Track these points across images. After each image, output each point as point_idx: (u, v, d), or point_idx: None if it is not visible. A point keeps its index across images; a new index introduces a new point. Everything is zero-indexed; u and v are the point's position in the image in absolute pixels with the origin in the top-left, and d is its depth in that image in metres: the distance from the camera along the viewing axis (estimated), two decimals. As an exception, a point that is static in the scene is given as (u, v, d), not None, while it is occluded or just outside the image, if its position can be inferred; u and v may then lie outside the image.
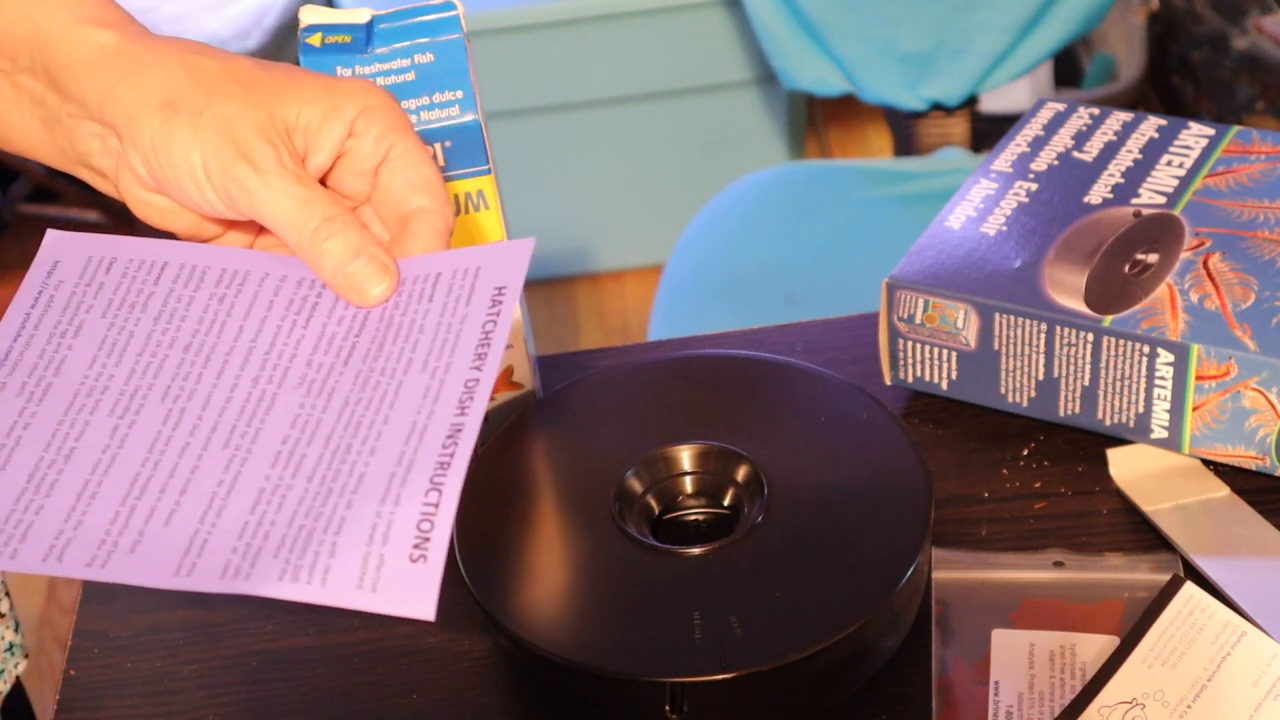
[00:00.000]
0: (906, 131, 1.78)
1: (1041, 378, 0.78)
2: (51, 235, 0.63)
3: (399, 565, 0.50)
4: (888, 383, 0.83)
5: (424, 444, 0.54)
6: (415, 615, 0.49)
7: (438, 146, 0.72)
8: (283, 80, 0.59)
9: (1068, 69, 2.32)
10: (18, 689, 0.86)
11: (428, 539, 0.50)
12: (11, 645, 0.83)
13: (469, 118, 0.71)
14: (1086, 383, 0.77)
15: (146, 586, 0.52)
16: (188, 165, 0.58)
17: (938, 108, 1.72)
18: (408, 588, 0.50)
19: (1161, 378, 0.75)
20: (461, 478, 0.52)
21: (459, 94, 0.71)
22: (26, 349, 0.60)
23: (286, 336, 0.59)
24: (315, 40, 0.72)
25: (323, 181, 0.61)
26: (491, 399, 0.79)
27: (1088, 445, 0.80)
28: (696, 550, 0.69)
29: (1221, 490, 0.76)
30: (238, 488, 0.54)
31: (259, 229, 0.63)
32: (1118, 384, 0.76)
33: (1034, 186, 0.85)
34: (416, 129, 0.70)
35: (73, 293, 0.61)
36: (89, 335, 0.60)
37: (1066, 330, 0.76)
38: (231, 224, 0.63)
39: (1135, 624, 0.67)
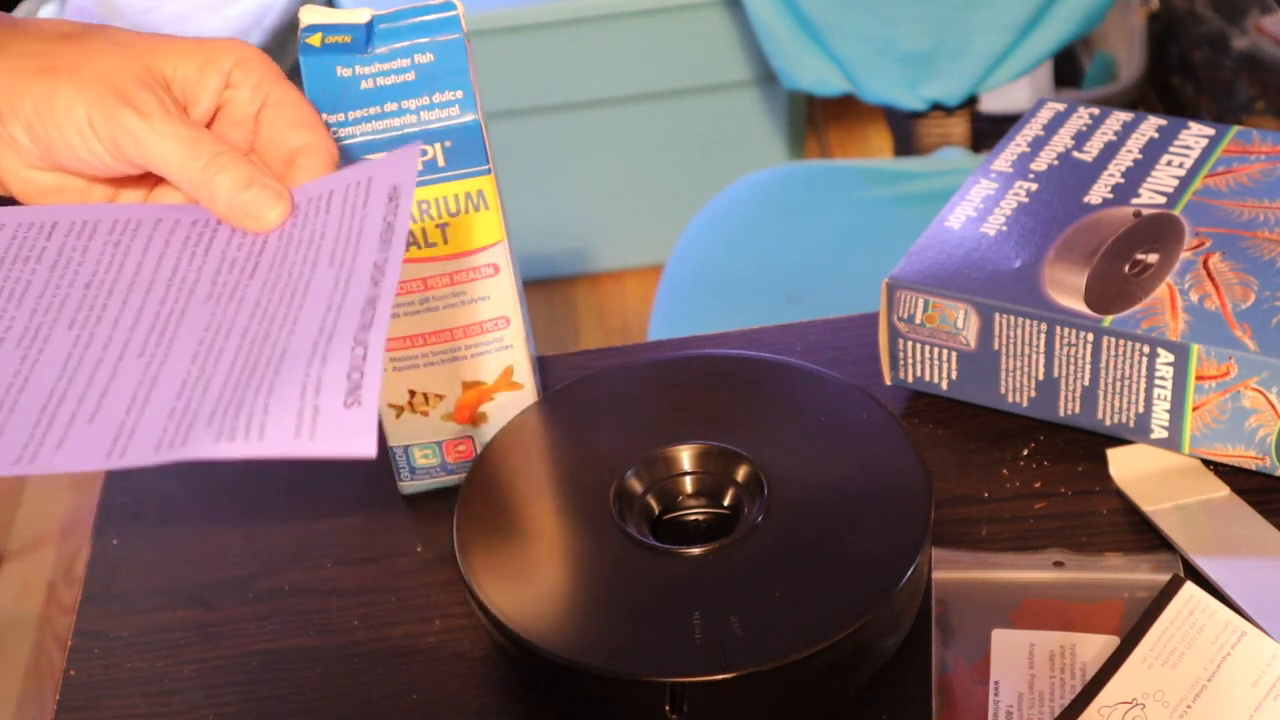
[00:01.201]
0: (906, 131, 1.78)
1: (1041, 378, 0.78)
2: None
3: (334, 412, 0.50)
4: (888, 383, 0.83)
5: (342, 315, 0.54)
6: (355, 454, 0.49)
7: (438, 146, 0.72)
8: (154, 41, 0.61)
9: (1068, 69, 2.32)
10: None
11: (359, 387, 0.51)
12: None
13: (469, 118, 0.71)
14: (1086, 383, 0.77)
15: (78, 470, 0.52)
16: (73, 120, 0.58)
17: (938, 108, 1.72)
18: (344, 430, 0.50)
19: (1161, 378, 0.75)
20: (384, 334, 0.52)
21: (459, 94, 0.71)
22: None
23: (188, 265, 0.59)
24: (315, 40, 0.72)
25: None
26: (491, 399, 0.80)
27: (1088, 445, 0.80)
28: (696, 550, 0.69)
29: (1221, 490, 0.76)
30: (159, 384, 0.54)
31: (149, 189, 0.64)
32: (1118, 384, 0.76)
33: (1034, 186, 0.85)
34: (416, 129, 0.71)
35: None
36: None
37: (1066, 330, 0.76)
38: (120, 185, 0.63)
39: (1135, 624, 0.67)
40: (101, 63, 0.59)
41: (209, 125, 0.62)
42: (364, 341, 0.52)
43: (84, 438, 0.53)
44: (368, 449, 0.49)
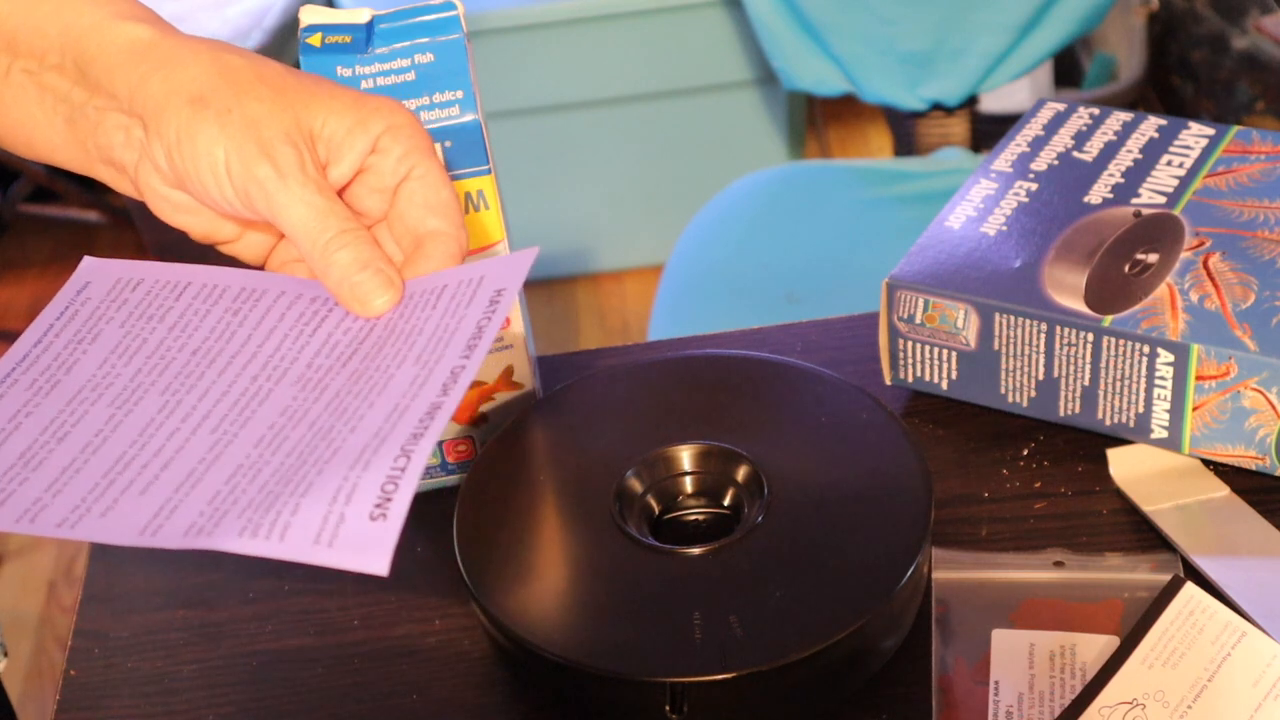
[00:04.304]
0: (906, 131, 1.78)
1: (1041, 378, 0.78)
2: (87, 261, 0.65)
3: (358, 523, 0.50)
4: (888, 383, 0.83)
5: (403, 421, 0.54)
6: (368, 570, 0.49)
7: (438, 146, 0.72)
8: (312, 89, 0.60)
9: (1068, 69, 2.32)
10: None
11: (390, 499, 0.51)
12: None
13: (469, 118, 0.71)
14: (1086, 383, 0.77)
15: (110, 544, 0.53)
16: (210, 160, 0.58)
17: (938, 108, 1.72)
18: (363, 543, 0.50)
19: (1161, 378, 0.75)
20: (431, 445, 0.52)
21: (459, 94, 0.71)
22: (44, 353, 0.61)
23: (291, 343, 0.60)
24: (315, 40, 0.72)
25: (340, 195, 0.61)
26: (491, 399, 0.80)
27: (1088, 445, 0.80)
28: (696, 550, 0.69)
29: (1221, 490, 0.76)
30: (218, 465, 0.55)
31: (278, 234, 0.63)
32: (1118, 384, 0.76)
33: (1034, 186, 0.85)
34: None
35: (96, 308, 0.63)
36: (104, 342, 0.62)
37: (1066, 330, 0.76)
38: (248, 225, 0.63)
39: (1136, 624, 0.67)
40: (253, 108, 0.58)
41: (348, 186, 0.61)
42: (409, 452, 0.52)
43: (127, 510, 0.54)
44: (381, 566, 0.49)
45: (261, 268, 0.64)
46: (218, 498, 0.54)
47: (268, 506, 0.52)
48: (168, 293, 0.63)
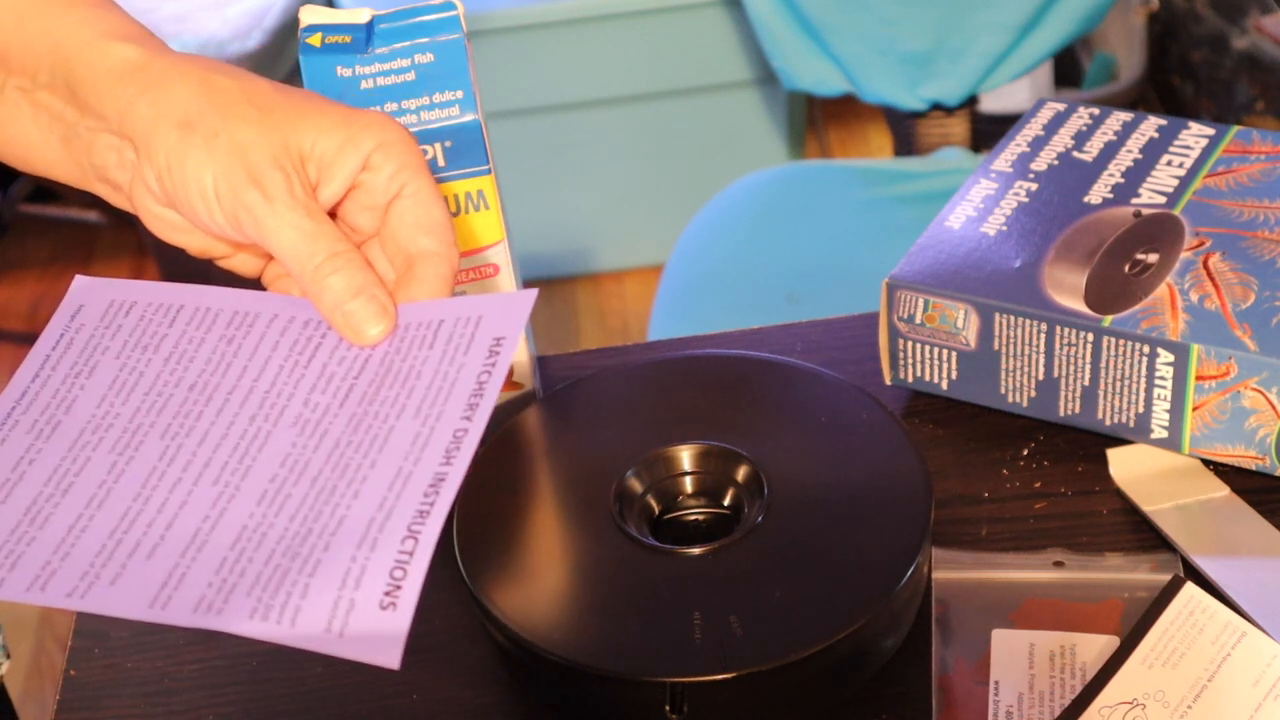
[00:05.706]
0: (906, 131, 1.78)
1: (1041, 378, 0.78)
2: (79, 281, 0.64)
3: (368, 612, 0.50)
4: (888, 383, 0.83)
5: (407, 491, 0.54)
6: (380, 664, 0.49)
7: (438, 146, 0.72)
8: (301, 107, 0.59)
9: (1068, 69, 2.32)
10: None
11: (399, 587, 0.51)
12: None
13: (469, 118, 0.71)
14: (1086, 383, 0.77)
15: (120, 618, 0.52)
16: (199, 186, 0.58)
17: (938, 108, 1.72)
18: (375, 635, 0.50)
19: (1161, 378, 0.75)
20: (439, 528, 0.52)
21: (459, 94, 0.71)
22: (42, 389, 0.61)
23: (287, 376, 0.60)
24: (315, 40, 0.72)
25: (332, 213, 0.60)
26: (491, 399, 0.80)
27: (1088, 445, 0.80)
28: (696, 550, 0.69)
29: (1221, 490, 0.76)
30: (222, 524, 0.55)
31: (270, 256, 0.63)
32: (1118, 384, 0.76)
33: (1034, 186, 0.85)
34: (416, 129, 0.71)
35: (91, 335, 0.62)
36: (101, 375, 0.61)
37: (1066, 330, 0.76)
38: (241, 245, 0.63)
39: (1136, 624, 0.67)
40: (240, 131, 0.58)
41: (340, 203, 0.60)
42: (416, 534, 0.52)
43: (136, 577, 0.53)
44: (392, 661, 0.49)
45: (258, 280, 0.64)
46: (224, 565, 0.53)
47: (277, 585, 0.52)
48: (161, 317, 0.63)
